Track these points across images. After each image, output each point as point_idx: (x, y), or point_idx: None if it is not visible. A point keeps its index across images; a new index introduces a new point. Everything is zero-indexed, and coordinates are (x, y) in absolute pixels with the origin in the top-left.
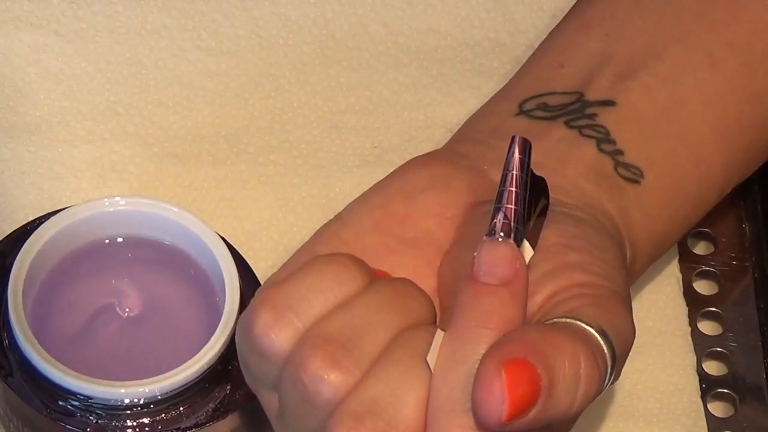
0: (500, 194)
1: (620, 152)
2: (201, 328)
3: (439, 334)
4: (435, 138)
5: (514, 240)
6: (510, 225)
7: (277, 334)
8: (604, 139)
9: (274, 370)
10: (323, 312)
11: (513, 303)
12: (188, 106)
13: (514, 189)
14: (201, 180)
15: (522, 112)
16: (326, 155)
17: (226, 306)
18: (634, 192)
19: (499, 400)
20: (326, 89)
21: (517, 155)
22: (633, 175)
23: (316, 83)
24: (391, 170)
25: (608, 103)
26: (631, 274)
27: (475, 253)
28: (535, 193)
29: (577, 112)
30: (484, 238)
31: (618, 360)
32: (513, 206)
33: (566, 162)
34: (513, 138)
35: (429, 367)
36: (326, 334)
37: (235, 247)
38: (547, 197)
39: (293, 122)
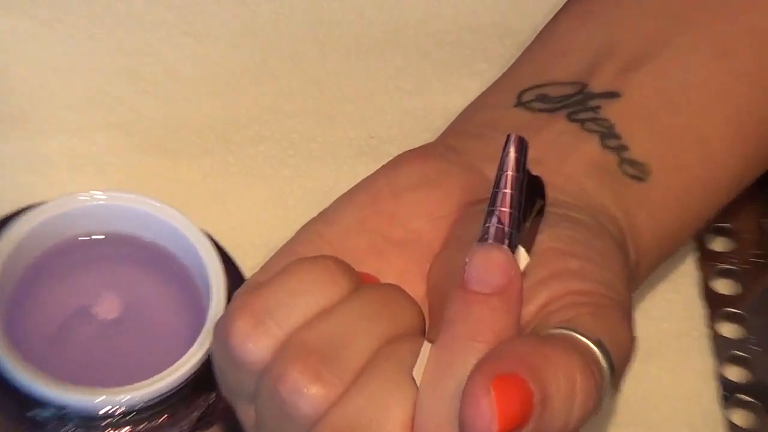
0: (494, 196)
1: (625, 147)
2: (185, 331)
3: (427, 347)
4: (434, 127)
5: (509, 246)
6: (504, 230)
7: (254, 343)
8: (607, 134)
9: (251, 381)
10: (304, 319)
11: (506, 314)
12: (173, 94)
13: (509, 191)
14: (186, 173)
15: (520, 103)
16: (320, 146)
17: (211, 308)
18: (640, 191)
19: (487, 418)
20: (320, 76)
21: (512, 154)
22: (638, 173)
23: (309, 70)
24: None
25: (613, 94)
26: (636, 278)
27: (467, 259)
28: (531, 194)
29: (579, 104)
30: (476, 243)
31: (617, 373)
32: (508, 209)
33: (567, 158)
34: (508, 136)
35: (415, 381)
36: (307, 343)
37: (222, 244)
38: (544, 197)
39: (285, 111)
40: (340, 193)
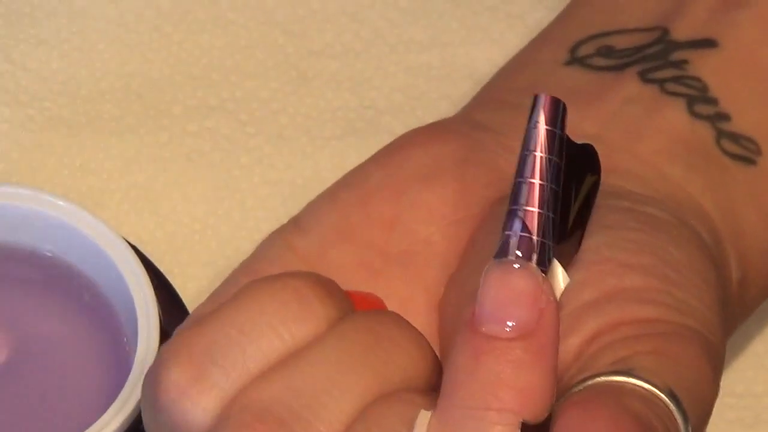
0: (516, 189)
1: (725, 116)
2: (101, 384)
3: (423, 418)
4: (456, 94)
5: (538, 263)
6: (531, 240)
7: (193, 401)
8: (699, 98)
9: None
10: (262, 368)
11: (537, 366)
12: (81, 45)
13: (537, 181)
14: (101, 158)
15: (575, 59)
16: (291, 120)
17: (138, 349)
18: (746, 177)
19: None
20: (291, 20)
21: (542, 126)
22: (745, 152)
23: (276, 10)
24: (390, 140)
25: (706, 43)
26: (743, 303)
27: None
28: (575, 170)
29: (657, 57)
30: (491, 261)
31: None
32: (536, 209)
33: (639, 133)
34: (536, 98)
35: None
36: (261, 403)
37: (153, 261)
38: (597, 172)
39: (241, 70)
40: (320, 189)
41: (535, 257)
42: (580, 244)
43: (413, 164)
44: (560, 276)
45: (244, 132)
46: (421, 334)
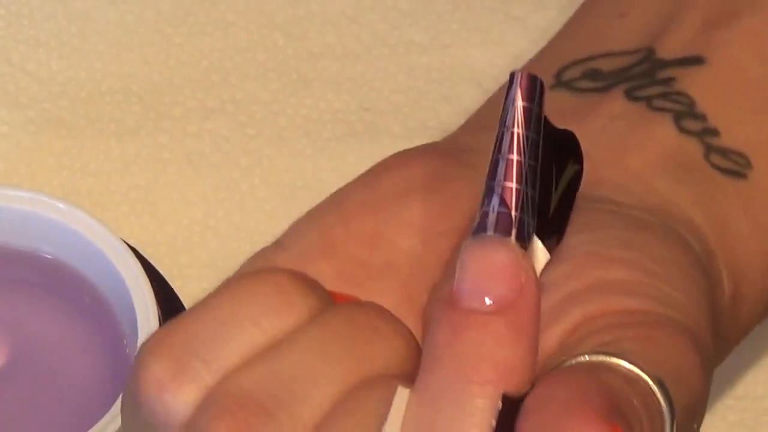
0: (494, 166)
1: (714, 131)
2: (102, 384)
3: (402, 395)
4: (457, 94)
5: (517, 239)
6: (510, 215)
7: (174, 394)
8: (687, 113)
9: None
10: (243, 358)
11: (517, 340)
12: (81, 47)
13: (515, 156)
14: (101, 160)
15: (560, 83)
16: (291, 122)
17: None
18: (737, 190)
19: None
20: (291, 22)
21: (519, 103)
22: (735, 165)
23: (276, 12)
24: (390, 143)
25: (693, 60)
26: (737, 318)
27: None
28: (556, 155)
29: (643, 76)
30: (469, 237)
31: (681, 426)
32: (514, 184)
33: (626, 148)
34: (512, 75)
35: None
36: (243, 391)
37: (153, 262)
38: (579, 161)
39: (241, 72)
40: (320, 189)
41: (514, 232)
42: (563, 233)
43: (394, 182)
44: (540, 253)
45: (244, 134)
46: (403, 324)
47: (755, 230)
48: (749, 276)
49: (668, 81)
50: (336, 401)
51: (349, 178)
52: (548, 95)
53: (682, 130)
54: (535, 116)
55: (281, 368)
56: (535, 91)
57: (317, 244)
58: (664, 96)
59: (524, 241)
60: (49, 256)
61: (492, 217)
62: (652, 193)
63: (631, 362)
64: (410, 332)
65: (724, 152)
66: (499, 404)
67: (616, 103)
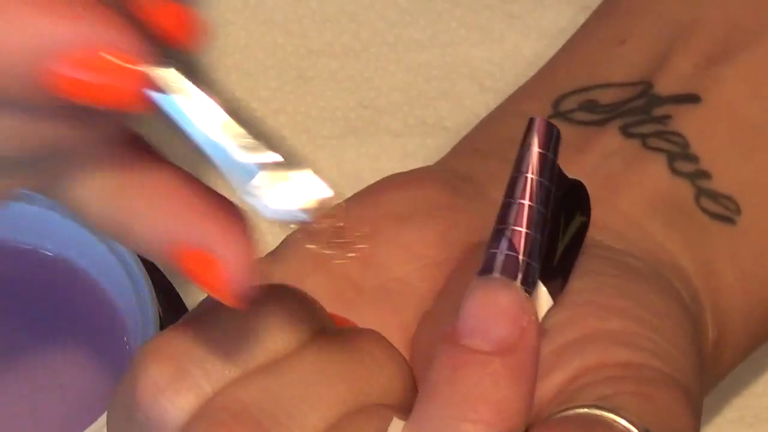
0: (505, 209)
1: (705, 174)
2: (102, 381)
3: (396, 426)
4: (456, 92)
5: (523, 283)
6: (518, 259)
7: (171, 399)
8: (680, 154)
9: None
10: (243, 371)
11: (514, 382)
12: None
13: (527, 202)
14: None
15: (558, 113)
16: (290, 119)
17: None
18: (725, 236)
19: None
20: (290, 19)
21: (535, 149)
22: (724, 210)
23: (275, 10)
24: (389, 140)
25: (689, 98)
26: (718, 364)
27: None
28: (565, 204)
29: (640, 111)
30: (476, 277)
31: None
32: (524, 229)
33: (619, 187)
34: (531, 121)
35: None
36: (239, 405)
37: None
38: (587, 213)
39: (240, 69)
40: None
41: (520, 276)
42: (566, 281)
43: (391, 204)
44: (544, 299)
45: None
46: (400, 353)
47: (739, 278)
48: (732, 324)
49: (664, 119)
50: (330, 425)
51: (349, 177)
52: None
53: (675, 171)
54: (549, 163)
55: (279, 386)
56: (551, 139)
57: (312, 258)
58: (659, 135)
59: (529, 286)
60: (50, 253)
61: (500, 260)
62: (643, 235)
63: (628, 420)
64: (406, 362)
65: (715, 196)
66: None
67: (612, 138)
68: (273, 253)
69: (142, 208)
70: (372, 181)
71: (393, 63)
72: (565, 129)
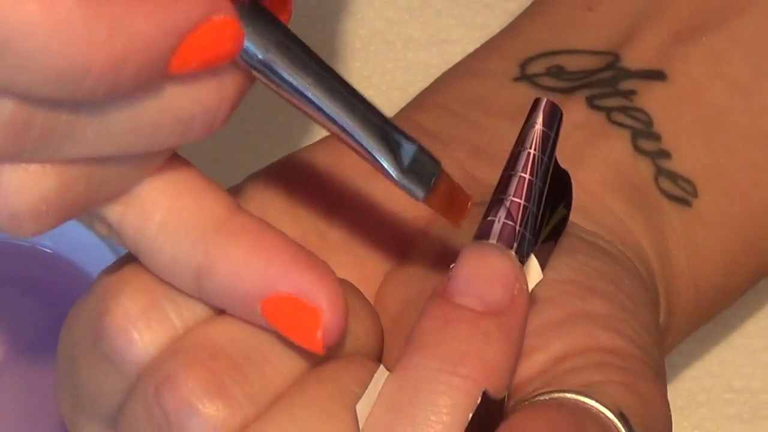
0: (506, 181)
1: (666, 154)
2: None
3: (381, 374)
4: None
5: (517, 252)
6: (514, 229)
7: (141, 331)
8: (643, 132)
9: (119, 388)
10: (217, 313)
11: (504, 343)
12: None
13: (527, 176)
14: None
15: (524, 76)
16: (290, 118)
17: None
18: (680, 219)
19: None
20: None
21: (539, 127)
22: (682, 192)
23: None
24: None
25: (655, 74)
26: (663, 342)
27: (452, 266)
28: (553, 193)
29: (607, 84)
30: (472, 241)
31: None
32: (522, 201)
33: (583, 162)
34: (537, 101)
35: (357, 420)
36: (214, 344)
37: None
38: (569, 203)
39: None
40: None
41: (515, 246)
42: (547, 262)
43: (360, 161)
44: (534, 271)
45: (243, 130)
46: (373, 308)
47: (691, 264)
48: (680, 309)
49: (629, 94)
50: (306, 371)
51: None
52: (510, 86)
53: (638, 149)
54: (551, 143)
55: (255, 329)
56: (555, 119)
57: (279, 201)
58: (623, 110)
59: (523, 256)
60: (48, 250)
61: (497, 227)
62: (608, 215)
63: (613, 412)
64: (378, 317)
65: (674, 177)
66: (478, 400)
67: (577, 109)
68: (237, 189)
69: (234, 254)
70: None
71: (392, 61)
72: (532, 94)
